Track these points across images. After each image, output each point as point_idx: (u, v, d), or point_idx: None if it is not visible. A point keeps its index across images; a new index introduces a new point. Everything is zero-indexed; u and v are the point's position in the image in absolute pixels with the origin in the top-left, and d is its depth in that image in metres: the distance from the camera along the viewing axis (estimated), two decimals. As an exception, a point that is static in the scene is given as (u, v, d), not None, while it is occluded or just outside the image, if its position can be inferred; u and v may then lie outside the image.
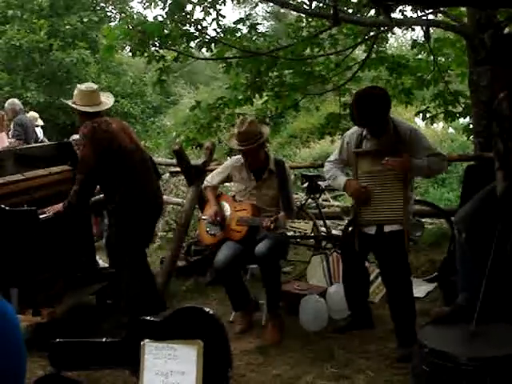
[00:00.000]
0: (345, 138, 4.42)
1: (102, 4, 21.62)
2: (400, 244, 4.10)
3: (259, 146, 4.64)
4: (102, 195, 4.82)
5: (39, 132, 9.58)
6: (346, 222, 5.13)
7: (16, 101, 8.94)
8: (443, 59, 7.79)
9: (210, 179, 5.01)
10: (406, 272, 4.20)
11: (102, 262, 6.03)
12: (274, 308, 4.65)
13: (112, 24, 17.46)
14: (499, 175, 3.67)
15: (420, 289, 5.15)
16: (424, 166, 4.06)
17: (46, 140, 8.96)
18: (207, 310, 3.59)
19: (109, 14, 21.69)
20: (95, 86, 4.64)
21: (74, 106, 4.50)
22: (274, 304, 4.65)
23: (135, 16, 7.95)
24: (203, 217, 5.01)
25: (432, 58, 7.38)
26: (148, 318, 3.67)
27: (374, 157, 4.18)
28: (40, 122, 10.45)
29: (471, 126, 6.92)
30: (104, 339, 3.81)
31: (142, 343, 3.56)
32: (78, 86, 4.62)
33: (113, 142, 4.35)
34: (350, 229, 4.47)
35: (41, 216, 4.36)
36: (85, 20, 19.30)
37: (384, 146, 4.13)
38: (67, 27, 19.11)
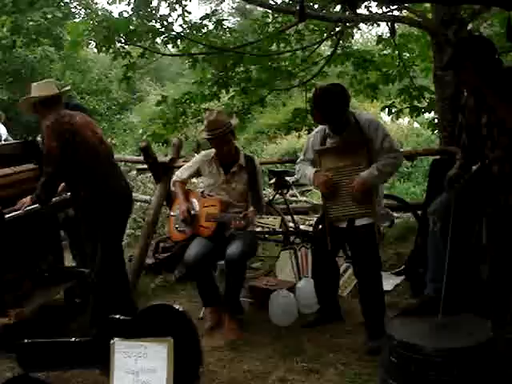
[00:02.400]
0: (309, 138, 4.46)
1: (66, 0, 21.34)
2: (371, 237, 4.13)
3: (228, 134, 4.64)
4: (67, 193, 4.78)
5: (3, 130, 9.40)
6: (315, 218, 5.14)
7: None
8: (408, 55, 7.86)
9: (180, 174, 5.00)
10: (377, 265, 4.24)
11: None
12: (235, 306, 4.66)
13: (76, 20, 17.26)
14: (457, 163, 3.83)
15: (388, 282, 5.19)
16: (375, 174, 4.06)
17: (11, 138, 8.83)
18: (177, 307, 3.58)
19: (73, 9, 21.40)
20: (48, 80, 4.61)
21: (31, 98, 4.43)
22: (234, 305, 4.65)
23: (100, 12, 7.89)
24: (172, 213, 5.00)
25: (397, 53, 7.45)
26: (117, 316, 3.65)
27: (336, 153, 4.21)
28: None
29: (436, 120, 7.00)
30: (73, 339, 3.78)
31: (111, 342, 3.54)
32: (32, 84, 4.57)
33: (76, 135, 4.29)
34: (320, 226, 4.48)
35: (6, 215, 4.30)
36: (49, 16, 19.02)
37: (346, 142, 4.17)
38: (31, 23, 18.81)
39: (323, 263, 4.50)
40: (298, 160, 4.53)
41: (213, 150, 4.80)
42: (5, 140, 8.82)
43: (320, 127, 4.37)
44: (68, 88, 4.72)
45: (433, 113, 7.39)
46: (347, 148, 4.15)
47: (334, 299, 4.66)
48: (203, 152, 5.00)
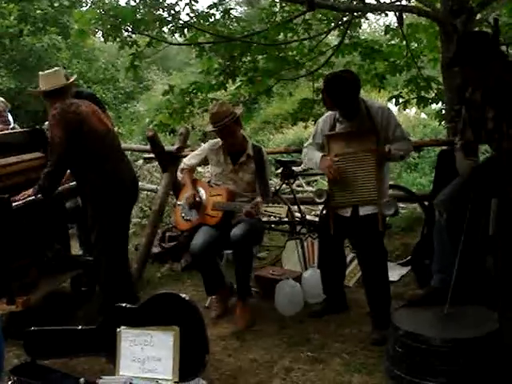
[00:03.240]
0: (319, 123, 4.46)
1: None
2: (375, 227, 4.13)
3: (233, 125, 4.62)
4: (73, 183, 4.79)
5: (10, 118, 9.33)
6: (323, 205, 5.15)
7: None
8: (416, 44, 7.82)
9: (187, 161, 5.00)
10: (382, 255, 4.24)
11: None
12: (244, 293, 4.66)
13: (84, 9, 17.23)
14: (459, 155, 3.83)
15: (394, 272, 5.19)
16: (396, 153, 4.12)
17: (18, 126, 8.80)
18: (183, 295, 3.59)
19: (80, -2, 21.38)
20: (57, 68, 4.62)
21: (39, 90, 4.45)
22: (245, 289, 4.66)
23: (107, 0, 7.86)
24: (178, 202, 5.01)
25: (405, 43, 7.41)
26: (123, 304, 3.67)
27: (345, 139, 4.21)
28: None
29: (443, 111, 6.97)
30: (79, 327, 3.80)
31: (117, 330, 3.56)
32: (40, 73, 4.57)
33: (83, 125, 4.29)
34: (324, 212, 4.50)
35: (14, 204, 4.31)
36: (55, 4, 19.01)
37: (356, 128, 4.16)
38: (38, 12, 18.81)
39: (329, 252, 4.50)
40: (306, 144, 4.53)
41: (220, 140, 4.80)
42: (12, 128, 8.79)
43: (330, 112, 4.36)
44: (74, 77, 4.74)
45: (440, 103, 7.36)
46: (356, 134, 4.15)
47: (339, 289, 4.66)
48: (211, 141, 5.00)
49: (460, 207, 3.70)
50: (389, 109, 4.33)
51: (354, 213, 4.21)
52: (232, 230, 4.52)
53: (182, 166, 5.06)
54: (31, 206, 4.41)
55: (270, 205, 4.36)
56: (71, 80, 4.61)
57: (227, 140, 4.68)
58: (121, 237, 4.60)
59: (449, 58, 3.89)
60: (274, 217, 4.66)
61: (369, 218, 4.14)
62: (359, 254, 4.40)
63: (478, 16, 6.15)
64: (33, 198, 4.38)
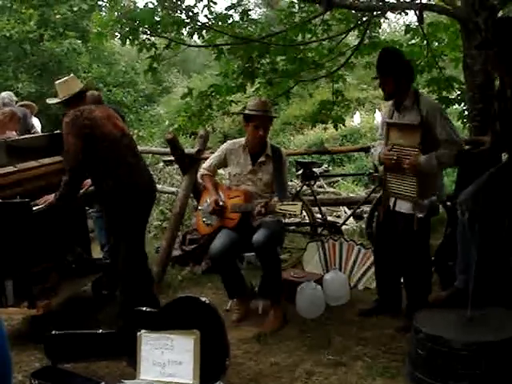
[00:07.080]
0: (382, 110, 4.48)
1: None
2: (410, 227, 4.12)
3: (271, 120, 4.75)
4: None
5: (37, 122, 9.32)
6: (343, 209, 5.14)
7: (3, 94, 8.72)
8: (437, 44, 7.74)
9: (206, 166, 4.95)
10: (420, 252, 4.27)
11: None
12: (276, 297, 4.63)
13: (102, 13, 17.33)
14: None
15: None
16: (433, 164, 4.05)
17: (39, 131, 8.85)
18: (203, 299, 3.58)
19: (99, 2, 21.51)
20: (70, 76, 4.63)
21: (57, 100, 4.49)
22: (276, 293, 4.62)
23: (125, 3, 7.86)
24: (199, 207, 4.98)
25: (425, 43, 7.33)
26: (144, 308, 3.66)
27: (398, 129, 4.21)
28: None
29: (466, 112, 6.88)
30: (100, 330, 3.81)
31: (138, 334, 3.56)
32: (56, 82, 4.58)
33: (95, 130, 4.27)
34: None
35: (34, 208, 4.32)
36: (75, 9, 19.14)
37: (405, 121, 4.19)
38: (57, 17, 18.95)
39: (386, 250, 4.48)
40: (377, 136, 4.63)
41: (241, 140, 4.79)
42: (33, 133, 8.85)
43: (391, 102, 4.37)
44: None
45: (462, 104, 7.27)
46: (405, 127, 4.16)
47: (396, 288, 4.60)
48: (231, 141, 4.98)
49: (483, 206, 3.65)
50: (440, 107, 4.32)
51: (393, 207, 4.24)
52: (253, 234, 4.48)
53: (200, 172, 5.00)
54: (52, 209, 4.42)
55: (284, 203, 4.31)
56: (85, 86, 4.61)
57: (258, 131, 4.62)
58: (139, 240, 4.57)
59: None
60: (289, 215, 4.64)
61: (404, 217, 4.17)
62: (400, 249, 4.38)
63: (500, 13, 6.07)
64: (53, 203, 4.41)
